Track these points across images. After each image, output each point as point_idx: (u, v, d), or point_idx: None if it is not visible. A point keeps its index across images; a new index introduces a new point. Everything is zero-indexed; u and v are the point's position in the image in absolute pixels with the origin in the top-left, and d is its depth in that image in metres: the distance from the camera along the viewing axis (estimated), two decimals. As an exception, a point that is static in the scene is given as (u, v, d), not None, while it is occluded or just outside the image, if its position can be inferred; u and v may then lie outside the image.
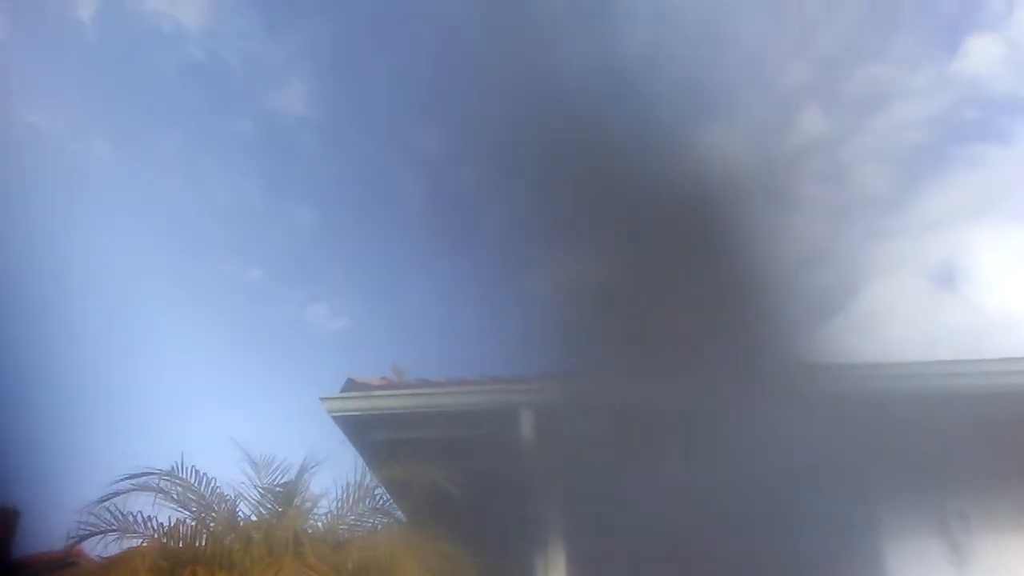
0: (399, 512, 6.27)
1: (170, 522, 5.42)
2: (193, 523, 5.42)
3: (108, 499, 5.29)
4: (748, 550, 6.12)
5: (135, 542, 5.30)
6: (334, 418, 6.34)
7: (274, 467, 5.61)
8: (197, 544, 5.39)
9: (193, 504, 5.42)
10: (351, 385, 6.42)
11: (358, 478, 5.86)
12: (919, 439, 6.17)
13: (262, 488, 5.56)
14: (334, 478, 5.96)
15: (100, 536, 5.33)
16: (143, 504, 5.47)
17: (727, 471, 6.02)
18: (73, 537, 5.33)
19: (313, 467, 5.65)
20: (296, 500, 5.56)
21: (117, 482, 5.33)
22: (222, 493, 5.56)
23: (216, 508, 5.47)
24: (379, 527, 5.93)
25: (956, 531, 6.42)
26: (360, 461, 6.32)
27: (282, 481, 5.59)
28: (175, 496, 5.40)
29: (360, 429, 6.45)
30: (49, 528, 5.71)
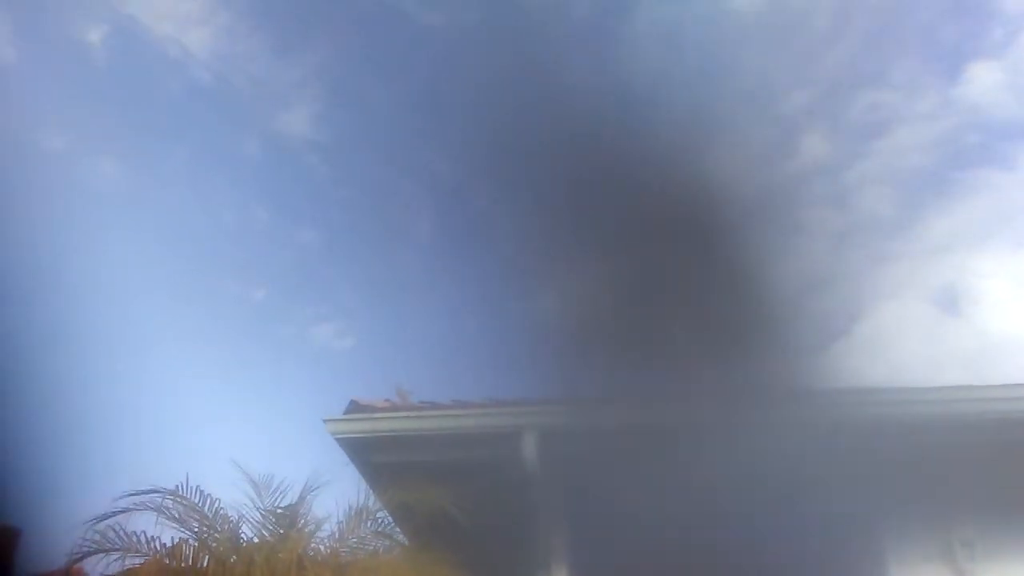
0: (401, 535, 6.26)
1: (173, 542, 5.40)
2: (195, 543, 5.39)
3: (110, 517, 5.27)
4: (752, 572, 6.10)
5: (137, 561, 5.28)
6: (337, 440, 6.34)
7: (276, 489, 5.61)
8: (199, 565, 5.38)
9: (196, 524, 5.40)
10: (354, 407, 6.42)
11: (361, 501, 5.84)
12: (925, 464, 6.15)
13: (265, 510, 5.55)
14: (337, 500, 5.96)
15: (102, 555, 5.31)
16: (146, 523, 5.47)
17: (730, 493, 6.01)
18: (75, 555, 5.31)
19: (315, 489, 5.64)
20: (299, 522, 5.54)
21: (119, 499, 5.32)
22: (225, 514, 5.55)
23: (219, 529, 5.45)
24: (381, 550, 5.90)
25: (961, 558, 6.39)
26: (363, 484, 6.31)
27: (284, 503, 5.58)
28: (177, 516, 5.39)
29: (363, 451, 6.45)
30: (50, 547, 5.69)
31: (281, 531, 5.41)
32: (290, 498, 5.59)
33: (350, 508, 5.74)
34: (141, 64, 10.31)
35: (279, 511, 5.51)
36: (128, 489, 5.31)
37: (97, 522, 5.23)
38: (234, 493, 5.66)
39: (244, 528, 5.59)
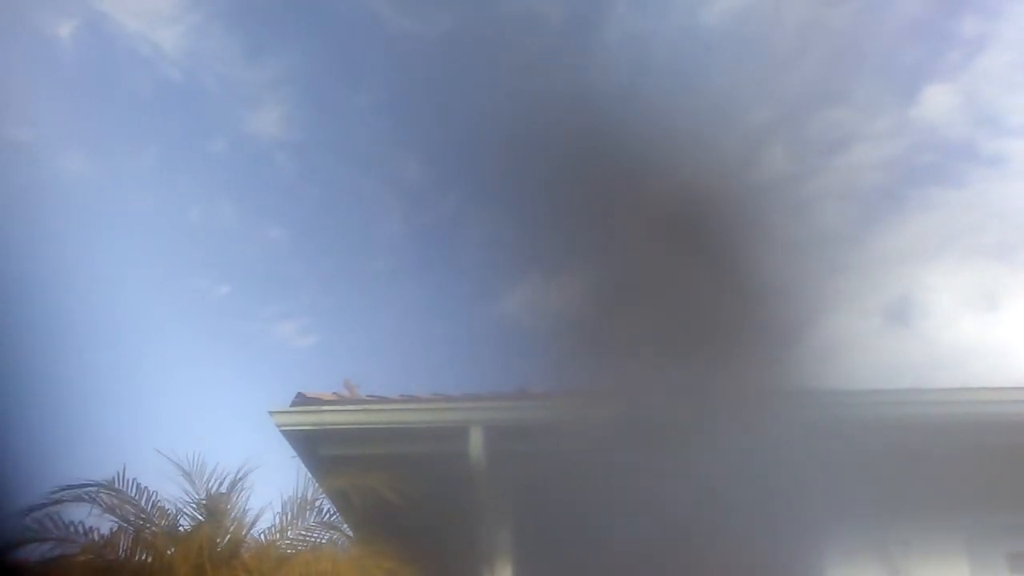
0: (346, 527, 6.27)
1: (110, 532, 5.37)
2: (132, 534, 5.37)
3: (45, 507, 5.24)
4: (691, 567, 6.17)
5: (73, 551, 5.25)
6: (283, 432, 6.31)
7: (211, 478, 5.59)
8: (136, 557, 5.35)
9: (132, 516, 5.38)
10: (301, 400, 6.40)
11: (302, 492, 5.85)
12: (864, 465, 6.25)
13: (201, 500, 5.53)
14: (282, 494, 5.97)
15: (38, 544, 5.27)
16: (84, 514, 5.44)
17: (676, 491, 6.08)
18: (10, 544, 5.26)
19: (244, 476, 5.63)
20: (234, 512, 5.53)
21: (54, 492, 5.28)
22: (162, 506, 5.53)
23: (155, 521, 5.42)
24: (323, 542, 5.91)
25: (896, 556, 6.50)
26: (308, 475, 6.31)
27: (220, 492, 5.56)
28: (113, 507, 5.36)
29: (309, 444, 6.43)
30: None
31: (201, 519, 5.37)
32: (227, 489, 5.57)
33: (290, 499, 5.75)
34: (110, 60, 10.23)
35: (206, 503, 5.48)
36: (64, 482, 5.30)
37: (30, 512, 5.19)
38: (174, 485, 5.66)
39: (183, 520, 5.59)
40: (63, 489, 5.29)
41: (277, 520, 5.70)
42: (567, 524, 6.55)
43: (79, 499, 5.30)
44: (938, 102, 9.50)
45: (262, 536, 5.68)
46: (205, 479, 5.54)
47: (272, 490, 6.07)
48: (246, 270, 10.74)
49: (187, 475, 5.48)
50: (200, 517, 5.49)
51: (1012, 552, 6.62)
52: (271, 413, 6.24)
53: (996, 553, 6.57)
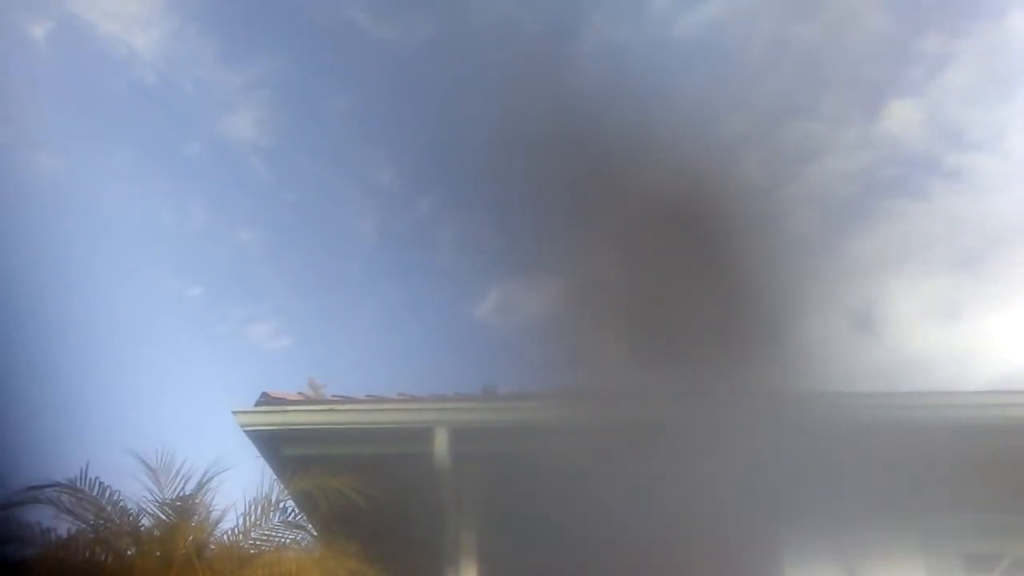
0: (310, 528, 6.25)
1: (68, 534, 5.33)
2: (92, 535, 5.33)
3: (3, 508, 5.19)
4: (660, 573, 6.23)
5: (31, 553, 5.20)
6: (247, 432, 6.28)
7: (179, 479, 5.56)
8: (97, 558, 5.31)
9: (92, 517, 5.34)
10: (265, 399, 6.38)
11: (266, 492, 5.83)
12: (821, 466, 6.33)
13: (164, 500, 5.50)
14: (244, 493, 5.95)
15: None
16: (44, 515, 5.39)
17: (641, 495, 6.13)
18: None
19: (209, 480, 5.60)
20: (199, 513, 5.51)
21: (17, 493, 5.23)
22: (124, 506, 5.49)
23: (116, 521, 5.38)
24: (287, 542, 5.91)
25: (853, 556, 6.58)
26: (272, 476, 6.29)
27: (184, 494, 5.54)
28: (72, 508, 5.31)
29: (274, 444, 6.40)
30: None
31: (170, 520, 5.34)
32: (192, 489, 5.55)
33: (254, 499, 5.74)
34: (85, 61, 10.15)
35: (177, 504, 5.45)
36: (26, 482, 5.24)
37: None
38: (138, 484, 5.63)
39: (145, 520, 5.55)
40: (25, 490, 5.24)
41: (241, 520, 5.67)
42: (532, 526, 6.58)
43: (40, 499, 5.24)
44: (902, 116, 9.74)
45: (225, 536, 5.65)
46: (170, 479, 5.52)
47: (237, 490, 6.07)
48: (218, 272, 10.74)
49: (152, 474, 5.44)
50: (163, 517, 5.45)
51: (968, 552, 6.74)
52: (235, 413, 6.20)
53: (952, 553, 6.69)
